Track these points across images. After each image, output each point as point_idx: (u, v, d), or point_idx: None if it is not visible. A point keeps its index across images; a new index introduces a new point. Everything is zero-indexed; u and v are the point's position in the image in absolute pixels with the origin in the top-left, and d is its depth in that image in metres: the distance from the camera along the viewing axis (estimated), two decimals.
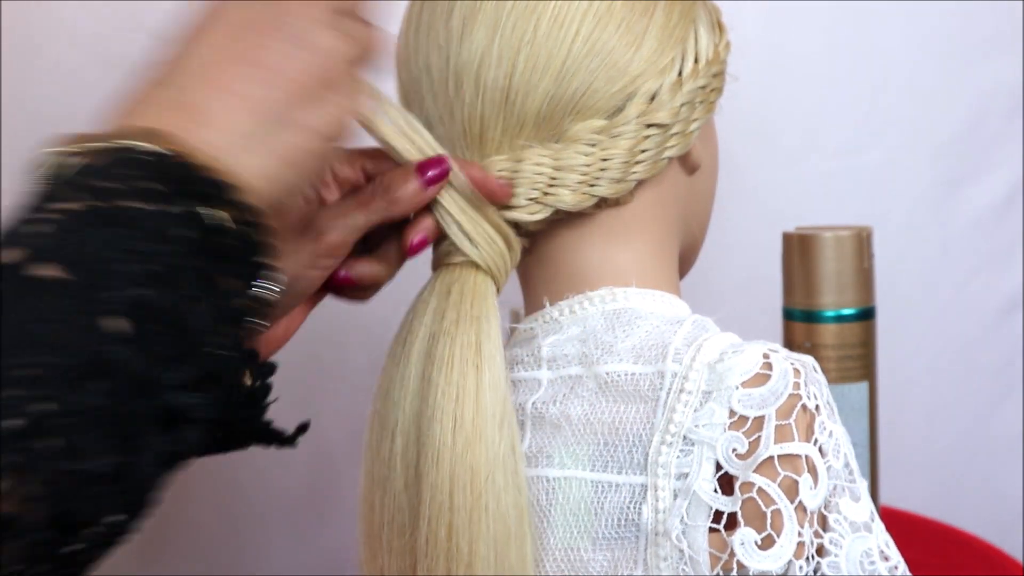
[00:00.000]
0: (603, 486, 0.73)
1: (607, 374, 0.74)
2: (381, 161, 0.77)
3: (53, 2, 1.22)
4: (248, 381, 0.70)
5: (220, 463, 0.90)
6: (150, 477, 0.52)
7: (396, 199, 0.74)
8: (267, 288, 0.59)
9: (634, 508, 0.71)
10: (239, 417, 0.71)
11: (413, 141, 0.75)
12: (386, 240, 0.77)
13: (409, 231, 0.75)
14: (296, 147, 0.61)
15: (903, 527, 1.00)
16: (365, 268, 0.77)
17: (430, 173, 0.74)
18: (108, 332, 0.50)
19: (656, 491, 0.71)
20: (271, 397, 0.71)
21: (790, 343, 1.04)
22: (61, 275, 0.50)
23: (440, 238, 0.76)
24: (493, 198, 0.75)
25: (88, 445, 0.49)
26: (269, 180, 0.60)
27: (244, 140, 0.59)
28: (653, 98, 0.76)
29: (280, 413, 0.72)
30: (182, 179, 0.55)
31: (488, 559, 0.70)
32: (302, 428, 0.74)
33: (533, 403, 0.77)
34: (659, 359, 0.73)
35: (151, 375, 0.52)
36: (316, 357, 1.30)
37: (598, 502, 0.73)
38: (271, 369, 0.72)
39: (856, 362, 1.03)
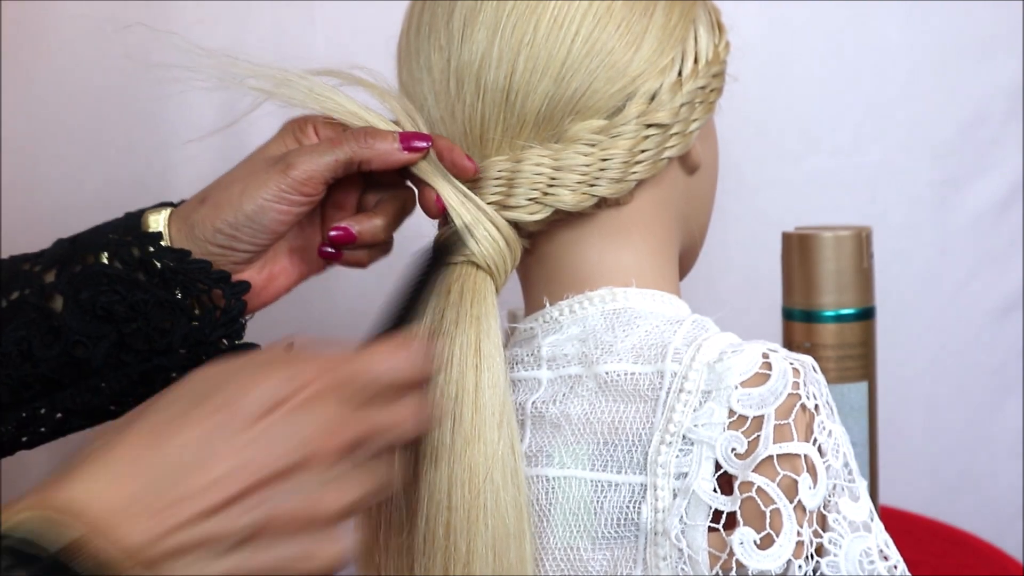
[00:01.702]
0: (603, 485, 0.73)
1: (607, 374, 0.74)
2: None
3: (53, 2, 1.22)
4: (222, 302, 0.76)
5: None
6: None
7: (370, 145, 0.75)
8: None
9: (633, 507, 0.71)
10: (218, 336, 0.77)
11: (413, 120, 0.78)
12: (384, 200, 0.80)
13: (424, 196, 0.77)
14: (261, 569, 0.59)
15: (903, 527, 1.00)
16: (365, 223, 0.79)
17: (413, 143, 0.76)
18: None
19: (655, 490, 0.71)
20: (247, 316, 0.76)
21: (790, 343, 1.04)
22: None
23: (441, 234, 0.77)
24: (455, 171, 0.76)
25: None
26: None
27: (203, 547, 0.57)
28: (653, 98, 0.76)
29: None
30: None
31: (486, 558, 0.70)
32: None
33: (533, 403, 0.77)
34: (659, 359, 0.73)
35: None
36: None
37: (598, 501, 0.73)
38: (245, 288, 0.77)
39: (856, 362, 1.03)
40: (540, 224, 0.77)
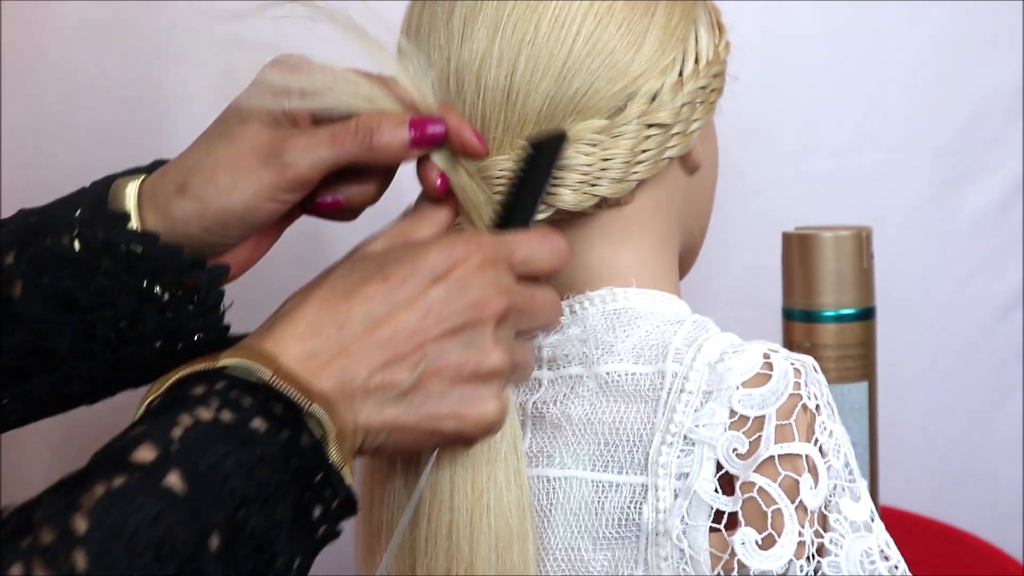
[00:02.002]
0: (604, 486, 0.73)
1: (607, 374, 0.74)
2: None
3: (53, 2, 1.22)
4: (200, 290, 0.72)
5: None
6: None
7: (378, 146, 0.70)
8: (347, 515, 0.64)
9: (635, 508, 0.71)
10: (193, 327, 0.73)
11: (421, 91, 0.72)
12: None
13: (426, 174, 0.73)
14: (417, 422, 0.66)
15: (903, 527, 1.00)
16: (354, 190, 0.74)
17: (428, 130, 0.71)
18: (204, 549, 0.56)
19: (657, 491, 0.71)
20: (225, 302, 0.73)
21: (790, 343, 1.04)
22: (180, 486, 0.57)
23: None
24: (465, 150, 0.72)
25: None
26: (374, 435, 0.65)
27: (372, 396, 0.64)
28: (654, 98, 0.76)
29: None
30: (295, 409, 0.61)
31: (489, 558, 0.70)
32: None
33: (534, 403, 0.77)
34: (659, 359, 0.73)
35: None
36: None
37: (599, 502, 0.73)
38: (223, 273, 0.73)
39: (856, 362, 1.03)
40: (540, 223, 0.77)
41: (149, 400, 0.62)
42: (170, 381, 0.63)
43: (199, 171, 0.71)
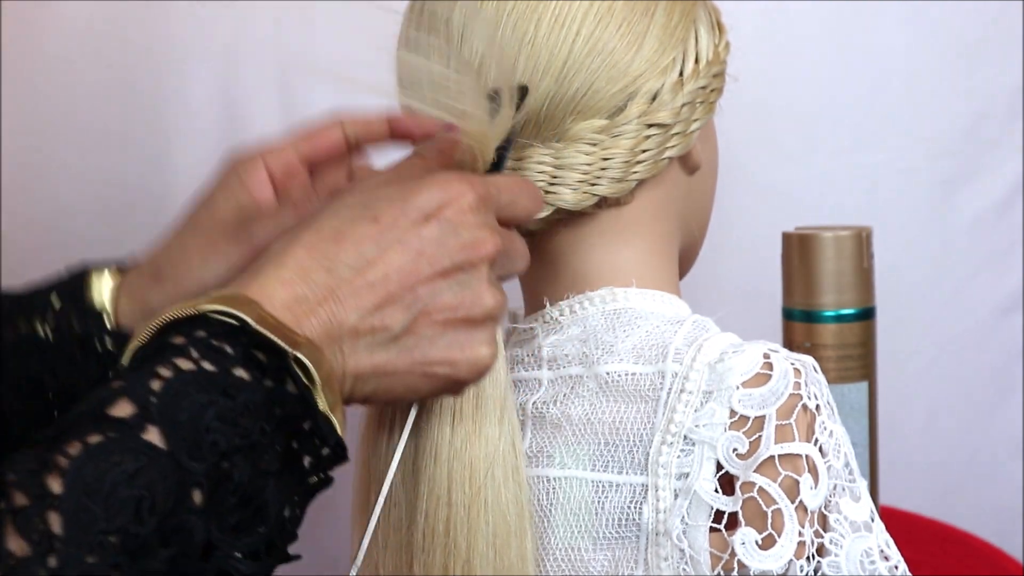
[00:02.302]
0: (604, 486, 0.73)
1: (607, 374, 0.74)
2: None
3: (53, 2, 1.22)
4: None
5: None
6: None
7: None
8: (337, 463, 0.62)
9: (635, 508, 0.71)
10: None
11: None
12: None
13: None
14: (409, 367, 0.64)
15: (903, 527, 1.00)
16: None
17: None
18: (186, 503, 0.55)
19: (657, 491, 0.71)
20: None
21: (790, 343, 1.04)
22: (159, 440, 0.55)
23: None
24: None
25: None
26: (364, 380, 0.63)
27: (362, 340, 0.62)
28: (654, 98, 0.76)
29: None
30: (280, 356, 0.59)
31: (487, 555, 0.70)
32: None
33: (534, 403, 0.77)
34: (659, 359, 0.73)
35: (214, 542, 0.55)
36: None
37: (599, 502, 0.73)
38: None
39: (856, 362, 1.03)
40: (541, 223, 0.77)
41: (134, 348, 0.60)
42: (152, 327, 0.60)
43: (172, 260, 0.75)
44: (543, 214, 0.76)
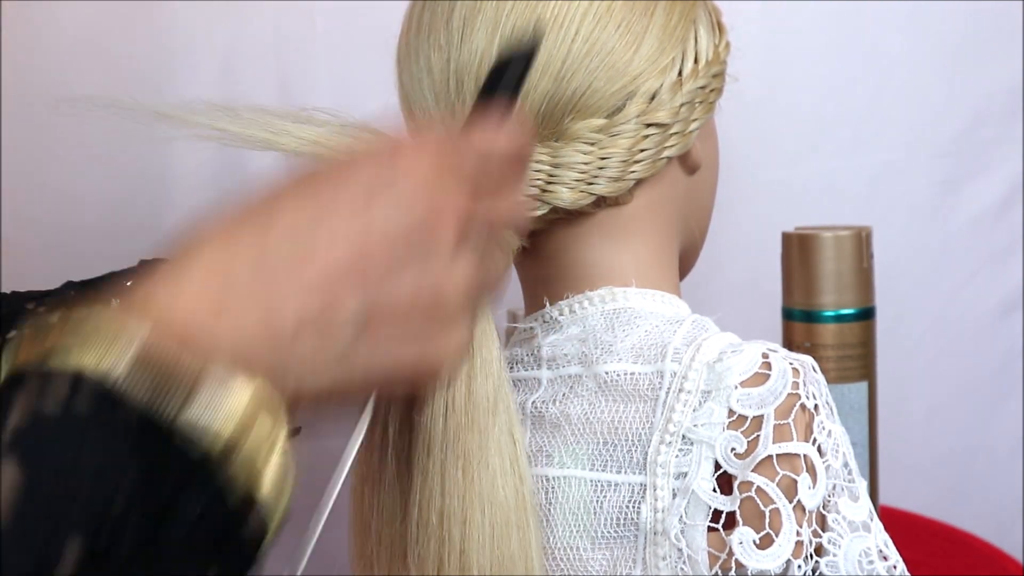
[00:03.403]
0: (602, 485, 0.73)
1: (606, 374, 0.74)
2: None
3: (53, 2, 1.22)
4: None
5: None
6: None
7: None
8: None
9: (633, 507, 0.72)
10: None
11: None
12: None
13: None
14: (366, 379, 0.54)
15: (903, 527, 1.00)
16: None
17: None
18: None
19: (655, 490, 0.71)
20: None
21: (789, 343, 1.04)
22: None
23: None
24: None
25: None
26: (312, 405, 0.53)
27: (305, 359, 0.51)
28: (653, 98, 0.76)
29: None
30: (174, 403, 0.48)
31: (484, 546, 0.69)
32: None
33: (533, 402, 0.77)
34: (658, 359, 0.73)
35: None
36: None
37: (597, 501, 0.73)
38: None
39: (855, 362, 1.03)
40: (539, 222, 0.77)
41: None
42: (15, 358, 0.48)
43: None
44: (540, 212, 0.76)
